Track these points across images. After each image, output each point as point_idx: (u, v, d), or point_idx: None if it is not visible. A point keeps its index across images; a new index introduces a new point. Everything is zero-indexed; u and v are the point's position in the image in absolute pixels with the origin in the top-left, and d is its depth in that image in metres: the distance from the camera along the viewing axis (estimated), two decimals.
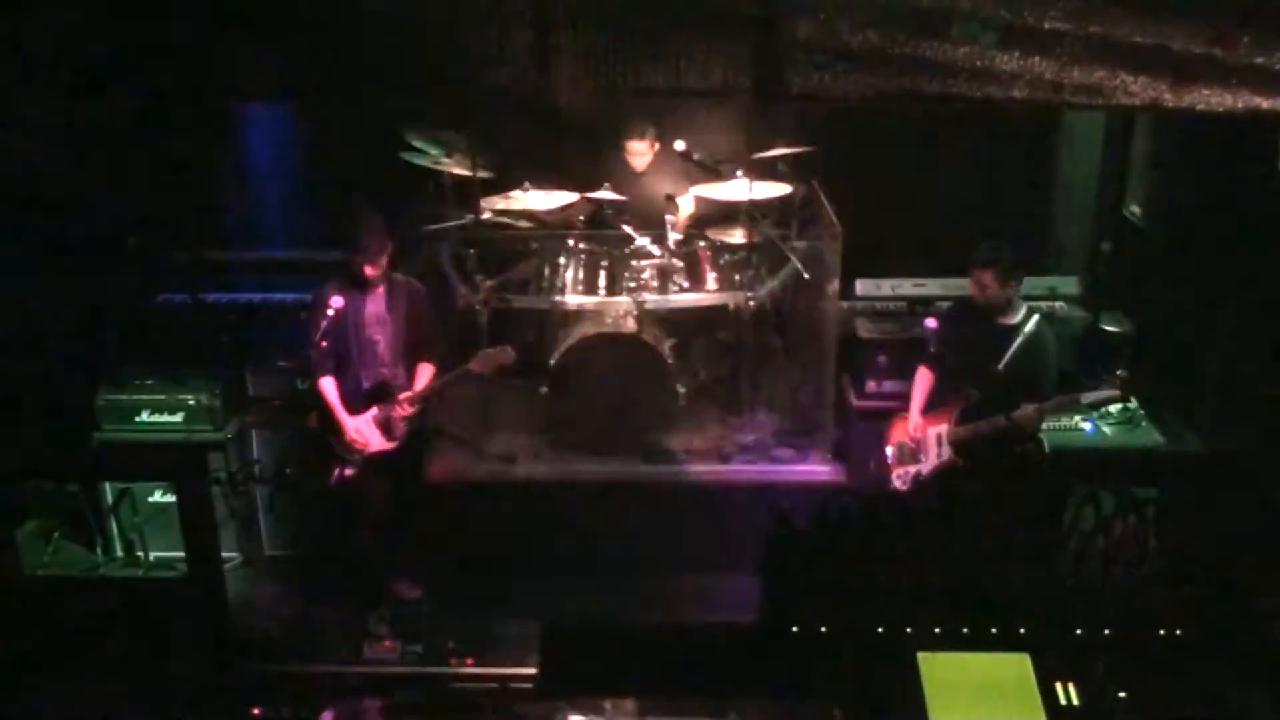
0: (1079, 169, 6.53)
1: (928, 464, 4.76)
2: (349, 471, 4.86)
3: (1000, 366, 4.55)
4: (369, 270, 4.72)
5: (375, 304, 4.84)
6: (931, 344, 4.81)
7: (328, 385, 4.82)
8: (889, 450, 4.98)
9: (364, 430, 4.84)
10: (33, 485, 5.33)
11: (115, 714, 3.63)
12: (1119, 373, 4.39)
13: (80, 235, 5.55)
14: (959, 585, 2.74)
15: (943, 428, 4.70)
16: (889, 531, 2.96)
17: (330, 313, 4.69)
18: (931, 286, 5.74)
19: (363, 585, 5.14)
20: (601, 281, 5.75)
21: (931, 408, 4.80)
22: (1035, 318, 4.61)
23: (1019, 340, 4.55)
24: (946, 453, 4.68)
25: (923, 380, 4.89)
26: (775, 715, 2.76)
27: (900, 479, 4.87)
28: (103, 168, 5.75)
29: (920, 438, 4.79)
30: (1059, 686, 2.51)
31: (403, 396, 4.85)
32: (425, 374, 4.96)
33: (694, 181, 6.03)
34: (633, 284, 5.72)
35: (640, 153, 6.13)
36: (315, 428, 4.96)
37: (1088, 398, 4.39)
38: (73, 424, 5.38)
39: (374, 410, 4.86)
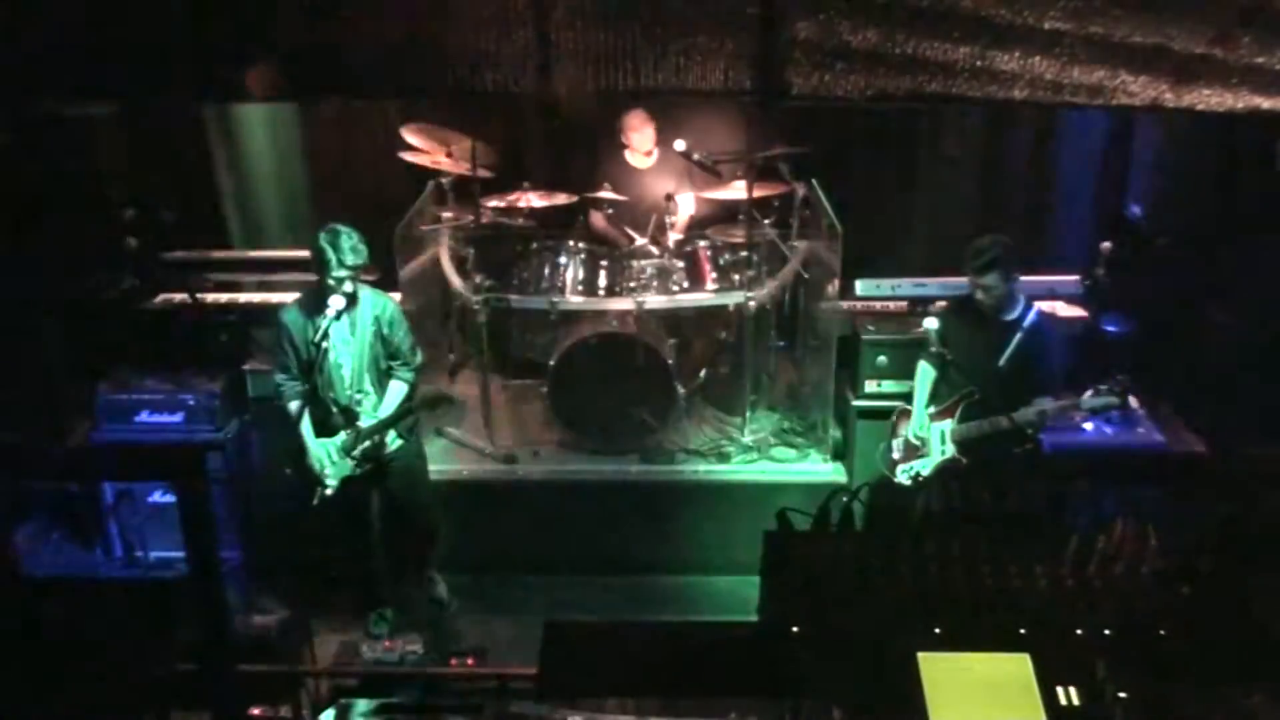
0: (1079, 169, 6.54)
1: (931, 461, 4.76)
2: (328, 492, 4.68)
3: (1002, 363, 4.55)
4: (341, 292, 4.50)
5: (340, 325, 4.60)
6: (931, 342, 4.81)
7: (295, 409, 4.67)
8: (894, 443, 4.98)
9: (330, 456, 4.67)
10: (33, 485, 5.33)
11: (115, 714, 3.62)
12: (1119, 377, 4.40)
13: (80, 235, 5.56)
14: (959, 585, 2.74)
15: (947, 424, 4.70)
16: (891, 530, 2.96)
17: (293, 337, 4.58)
18: (931, 286, 5.75)
19: (363, 585, 5.15)
20: (601, 281, 5.75)
21: (935, 403, 4.80)
22: (1034, 312, 4.61)
23: (1019, 336, 4.55)
24: (950, 450, 4.69)
25: (924, 377, 4.89)
26: (775, 715, 2.76)
27: (904, 475, 4.87)
28: (103, 168, 5.77)
29: (924, 435, 4.80)
30: (1059, 687, 2.51)
31: (362, 426, 4.67)
32: (395, 395, 4.76)
33: (695, 182, 6.04)
34: (633, 284, 5.72)
35: (639, 127, 6.02)
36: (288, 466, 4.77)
37: (1087, 403, 4.41)
38: (73, 424, 5.38)
39: (340, 436, 4.68)
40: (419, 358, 4.88)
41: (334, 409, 4.69)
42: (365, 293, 4.70)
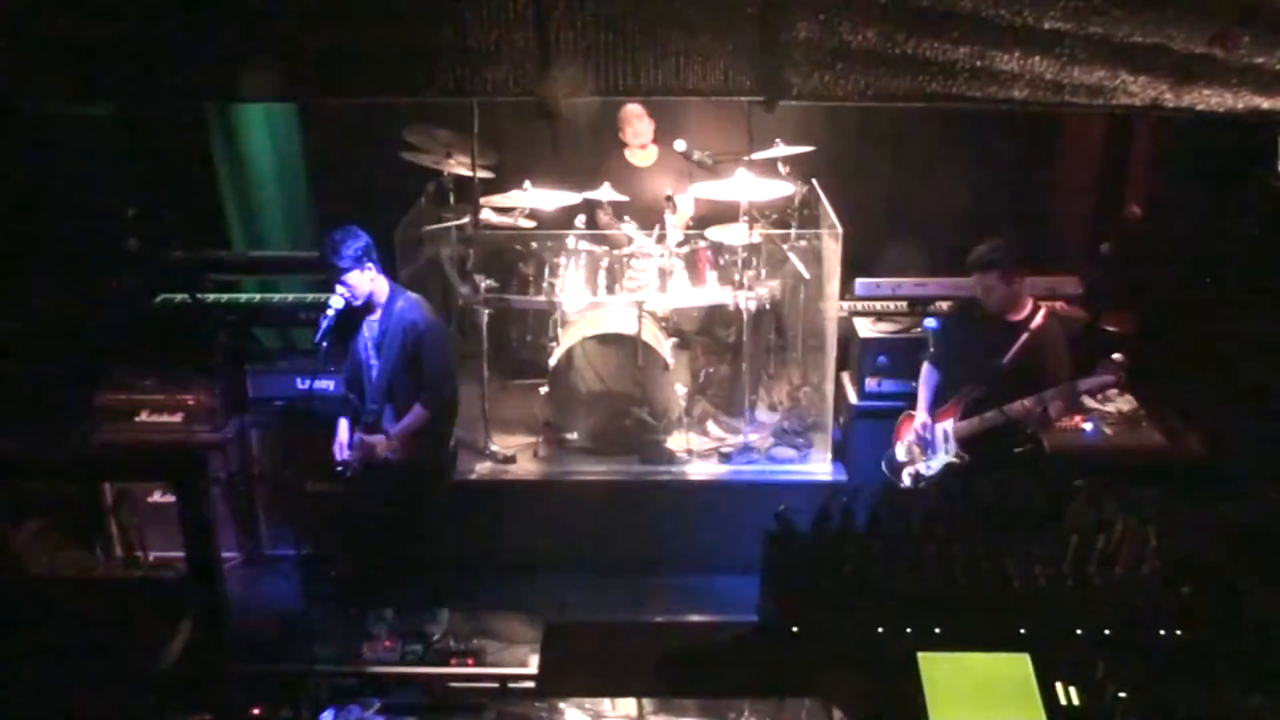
0: (1079, 169, 6.53)
1: (935, 461, 4.75)
2: (346, 474, 4.73)
3: (1006, 361, 4.54)
4: (340, 292, 4.52)
5: (370, 328, 4.69)
6: (933, 342, 4.80)
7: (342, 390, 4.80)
8: (898, 447, 4.97)
9: (347, 450, 4.73)
10: (33, 485, 5.33)
11: (115, 714, 3.62)
12: (1114, 356, 4.38)
13: (80, 235, 5.56)
14: (959, 585, 2.74)
15: (949, 423, 4.69)
16: (891, 530, 2.96)
17: (330, 313, 4.57)
18: (931, 286, 5.75)
19: (363, 585, 5.14)
20: (601, 281, 5.76)
21: (939, 404, 4.80)
22: (1042, 312, 4.60)
23: (1025, 336, 4.54)
24: (953, 449, 4.68)
25: (928, 378, 4.88)
26: (775, 715, 2.76)
27: (909, 477, 4.87)
28: (103, 168, 5.77)
29: (929, 436, 4.79)
30: (1059, 686, 2.51)
31: (369, 440, 4.69)
32: (408, 419, 4.71)
33: (695, 181, 6.04)
34: (633, 284, 5.72)
35: (638, 116, 6.07)
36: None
37: (1084, 384, 4.39)
38: (73, 424, 5.38)
39: (359, 435, 4.72)
40: (445, 392, 4.82)
41: (359, 407, 4.74)
42: (404, 305, 4.68)
